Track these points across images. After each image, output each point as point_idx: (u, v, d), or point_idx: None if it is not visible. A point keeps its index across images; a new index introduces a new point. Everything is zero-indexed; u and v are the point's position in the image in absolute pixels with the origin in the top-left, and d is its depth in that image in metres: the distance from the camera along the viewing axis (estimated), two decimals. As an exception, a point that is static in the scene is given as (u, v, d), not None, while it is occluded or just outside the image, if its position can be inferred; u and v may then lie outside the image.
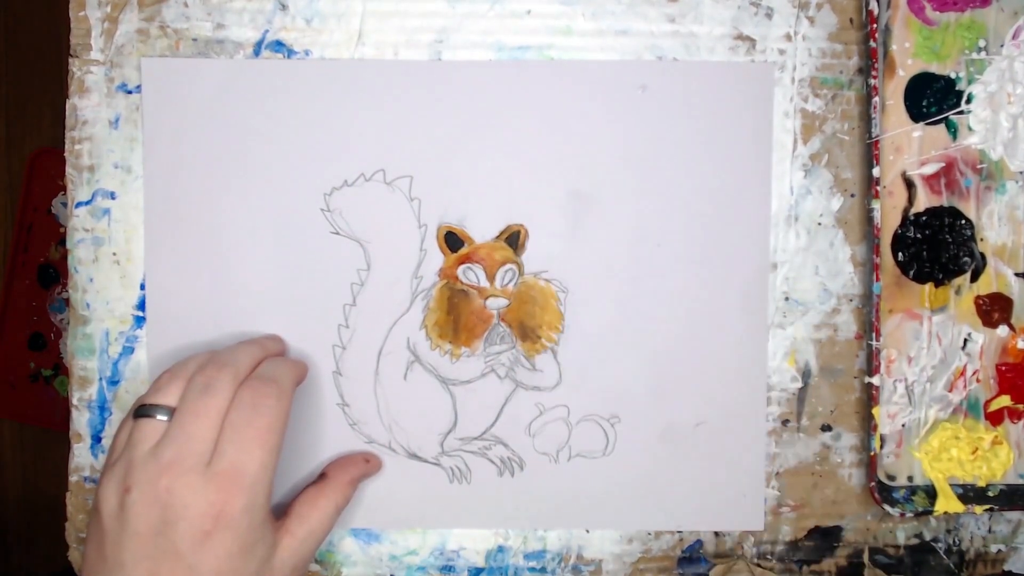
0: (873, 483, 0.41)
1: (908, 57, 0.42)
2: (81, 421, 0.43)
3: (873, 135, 0.41)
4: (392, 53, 0.42)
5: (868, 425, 0.42)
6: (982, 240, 0.42)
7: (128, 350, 0.42)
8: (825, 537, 0.43)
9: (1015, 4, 0.42)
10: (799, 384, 0.43)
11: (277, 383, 0.36)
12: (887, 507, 0.41)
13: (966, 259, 0.42)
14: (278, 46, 0.42)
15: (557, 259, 0.42)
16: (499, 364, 0.42)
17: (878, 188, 0.41)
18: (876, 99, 0.41)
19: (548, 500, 0.43)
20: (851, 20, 0.42)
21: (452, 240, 0.42)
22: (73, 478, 0.43)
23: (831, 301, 0.43)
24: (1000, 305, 0.42)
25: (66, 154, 0.42)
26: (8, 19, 1.00)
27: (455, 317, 0.42)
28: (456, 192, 0.42)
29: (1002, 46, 0.42)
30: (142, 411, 0.35)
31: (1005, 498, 0.42)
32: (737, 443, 0.43)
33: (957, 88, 0.42)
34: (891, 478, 0.42)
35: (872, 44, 0.40)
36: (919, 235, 0.42)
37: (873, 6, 0.40)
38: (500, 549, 0.43)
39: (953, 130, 0.42)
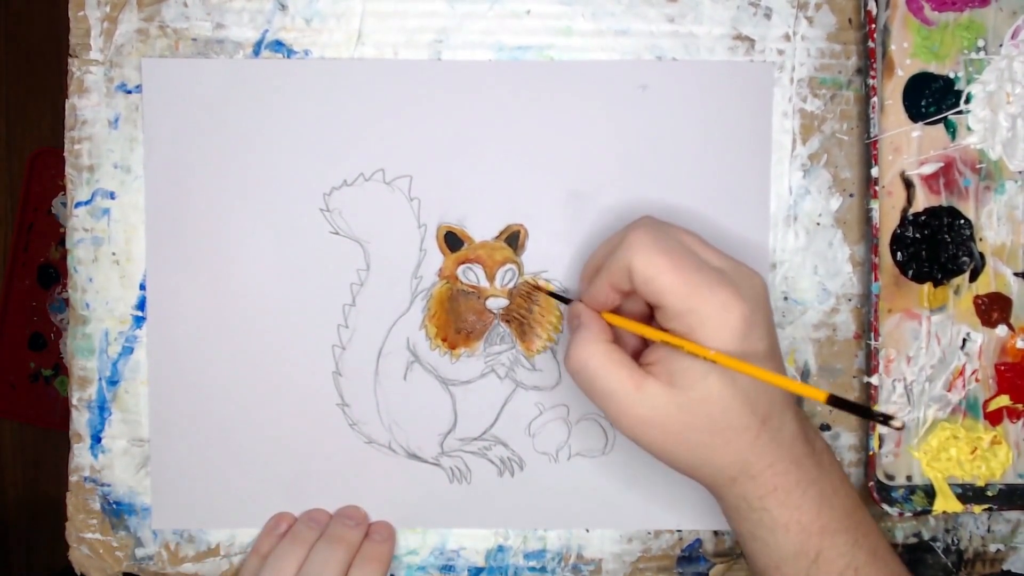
0: (872, 482, 0.41)
1: (907, 57, 0.42)
2: (81, 421, 0.43)
3: (872, 135, 0.41)
4: (392, 53, 0.42)
5: (867, 425, 0.42)
6: (981, 240, 0.42)
7: (128, 350, 0.42)
8: (824, 536, 0.43)
9: (1014, 4, 0.42)
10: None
11: None
12: (886, 506, 0.41)
13: (965, 259, 0.42)
14: (278, 46, 0.42)
15: (557, 259, 0.42)
16: (499, 364, 0.42)
17: (877, 188, 0.41)
18: (875, 99, 0.41)
19: (548, 500, 0.43)
20: (850, 20, 0.42)
21: (452, 240, 0.42)
22: (73, 478, 0.43)
23: (830, 301, 0.43)
24: (999, 305, 0.42)
25: (66, 154, 0.42)
26: (8, 19, 1.00)
27: (455, 317, 0.42)
28: (456, 192, 0.42)
29: (1001, 46, 0.42)
30: None
31: (1004, 498, 0.42)
32: (736, 443, 0.43)
33: (956, 88, 0.42)
34: (890, 477, 0.42)
35: (871, 44, 0.40)
36: (918, 235, 0.42)
37: (872, 6, 0.40)
38: (500, 549, 0.43)
39: (952, 130, 0.42)
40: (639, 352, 0.37)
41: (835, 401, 0.31)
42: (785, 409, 0.34)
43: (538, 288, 0.41)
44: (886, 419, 0.30)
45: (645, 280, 0.33)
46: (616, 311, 0.37)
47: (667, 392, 0.33)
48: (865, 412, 0.31)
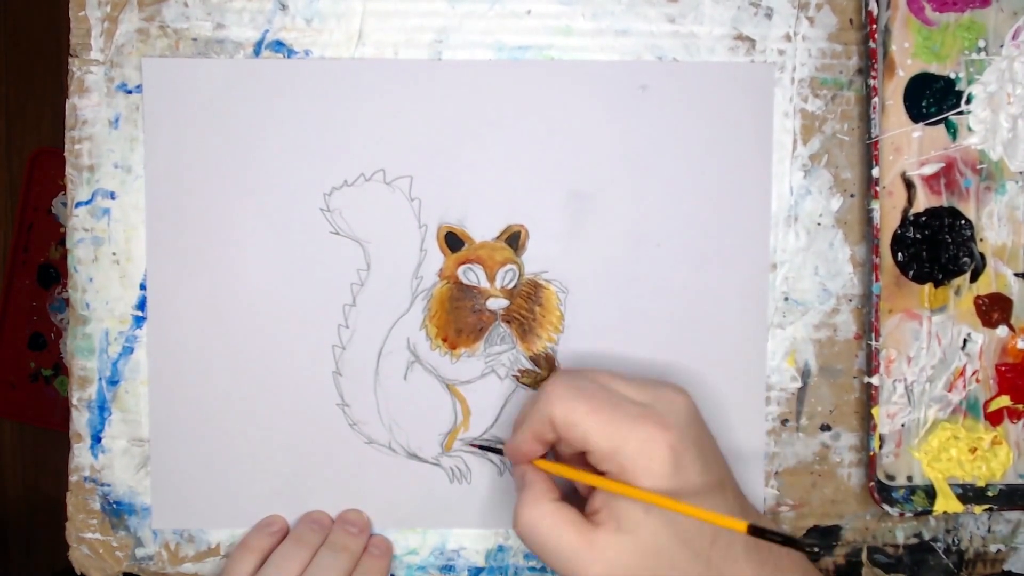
0: (872, 483, 0.41)
1: (908, 57, 0.42)
2: (81, 421, 0.43)
3: (873, 135, 0.41)
4: (392, 53, 0.42)
5: (867, 425, 0.42)
6: (982, 240, 0.42)
7: (128, 350, 0.42)
8: (824, 536, 0.43)
9: (1015, 4, 0.42)
10: (798, 384, 0.43)
11: None
12: (886, 507, 0.41)
13: (966, 259, 0.42)
14: (278, 46, 0.42)
15: (557, 259, 0.42)
16: (499, 364, 0.42)
17: (878, 188, 0.41)
18: (876, 99, 0.41)
19: (548, 500, 0.43)
20: (851, 20, 0.42)
21: (452, 240, 0.42)
22: (73, 478, 0.43)
23: (831, 301, 0.43)
24: (1000, 305, 0.42)
25: (66, 154, 0.42)
26: (8, 19, 1.00)
27: (455, 317, 0.42)
28: (456, 192, 0.42)
29: (1002, 46, 0.42)
30: None
31: (1004, 498, 0.42)
32: (736, 442, 0.43)
33: (957, 88, 0.42)
34: (890, 478, 0.42)
35: (872, 44, 0.40)
36: (919, 235, 0.42)
37: (873, 6, 0.40)
38: (500, 549, 0.43)
39: (953, 130, 0.42)
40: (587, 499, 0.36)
41: (756, 531, 0.31)
42: (731, 531, 0.34)
43: (472, 445, 0.42)
44: (808, 548, 0.30)
45: (567, 427, 0.34)
46: (557, 458, 0.37)
47: (617, 540, 0.33)
48: (788, 541, 0.31)
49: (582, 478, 0.35)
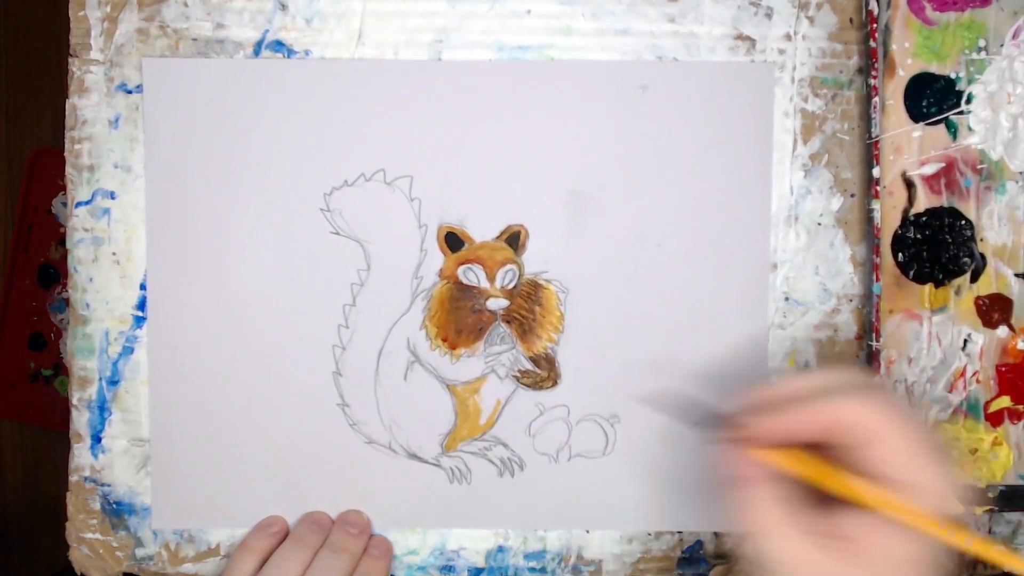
0: (873, 483, 0.41)
1: (908, 57, 0.42)
2: (81, 421, 0.43)
3: (873, 135, 0.41)
4: (392, 53, 0.42)
5: (868, 425, 0.42)
6: (982, 240, 0.42)
7: (128, 350, 0.42)
8: (825, 537, 0.43)
9: (1015, 4, 0.42)
10: (799, 384, 0.43)
11: None
12: (887, 507, 0.41)
13: (966, 259, 0.42)
14: (278, 46, 0.42)
15: (557, 259, 0.42)
16: (499, 364, 0.42)
17: (878, 188, 0.41)
18: (876, 99, 0.41)
19: (548, 500, 0.43)
20: (851, 20, 0.42)
21: (452, 240, 0.42)
22: (73, 478, 0.43)
23: (831, 301, 0.43)
24: (1000, 306, 0.42)
25: (66, 154, 0.42)
26: (8, 19, 1.00)
27: (455, 317, 0.42)
28: (456, 192, 0.42)
29: (1002, 46, 0.42)
30: None
31: (1005, 499, 0.42)
32: (737, 443, 0.43)
33: (957, 88, 0.42)
34: (891, 478, 0.42)
35: (872, 44, 0.40)
36: (919, 235, 0.42)
37: (873, 6, 0.40)
38: (500, 549, 0.43)
39: (953, 130, 0.42)
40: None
41: None
42: None
43: (651, 401, 0.37)
44: None
45: (863, 443, 0.28)
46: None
47: None
48: None
49: (852, 492, 0.27)
